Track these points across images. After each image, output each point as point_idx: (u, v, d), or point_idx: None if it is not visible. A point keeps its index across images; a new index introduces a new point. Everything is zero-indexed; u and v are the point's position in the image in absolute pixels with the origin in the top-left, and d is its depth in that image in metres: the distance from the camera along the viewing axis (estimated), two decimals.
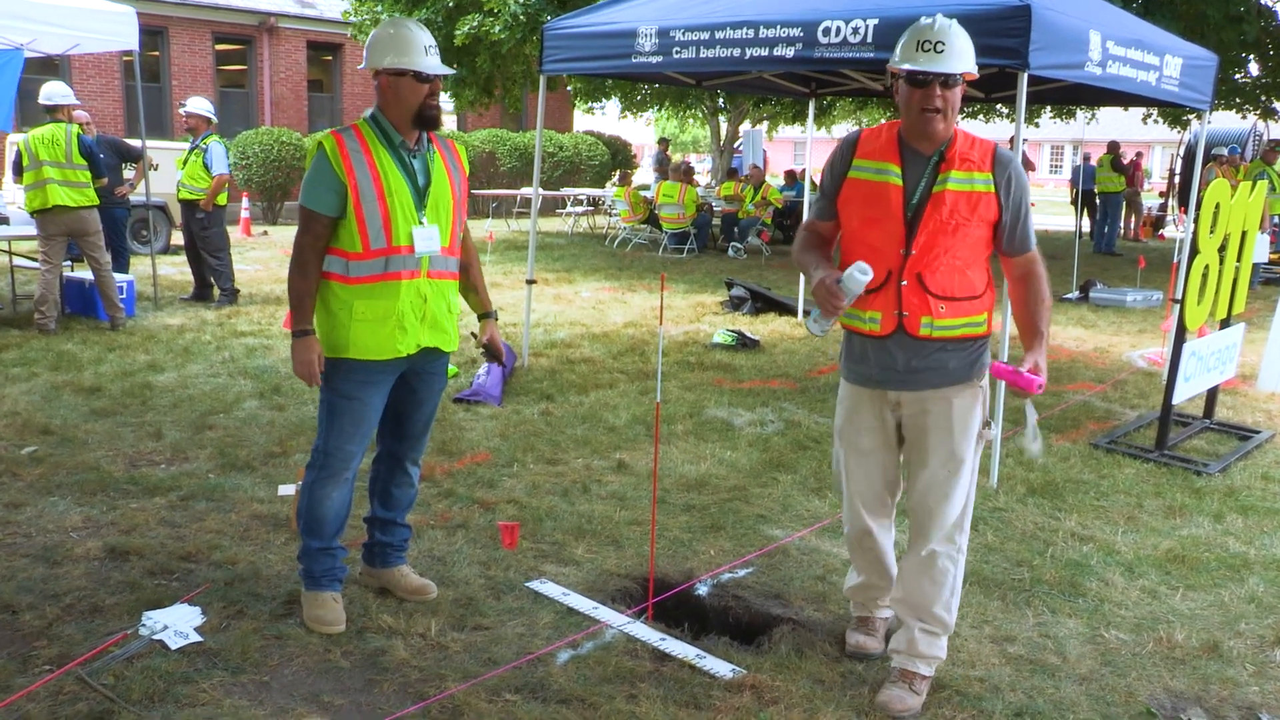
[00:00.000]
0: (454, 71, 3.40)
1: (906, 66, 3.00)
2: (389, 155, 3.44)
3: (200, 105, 9.83)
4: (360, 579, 3.94)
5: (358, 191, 3.39)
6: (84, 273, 9.15)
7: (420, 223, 3.46)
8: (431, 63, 3.43)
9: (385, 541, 3.86)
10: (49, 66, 17.34)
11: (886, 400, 3.24)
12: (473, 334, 3.91)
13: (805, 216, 10.41)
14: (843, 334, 3.34)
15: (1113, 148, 18.89)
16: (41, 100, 8.71)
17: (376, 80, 3.46)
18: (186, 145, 10.10)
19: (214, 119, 10.00)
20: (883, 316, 3.13)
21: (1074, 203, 19.01)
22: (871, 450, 3.32)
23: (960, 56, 2.99)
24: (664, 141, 24.39)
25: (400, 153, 3.47)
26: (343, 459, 3.55)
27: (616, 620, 3.72)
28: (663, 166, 19.97)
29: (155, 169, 10.77)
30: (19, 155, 8.40)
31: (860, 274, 2.99)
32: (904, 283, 3.08)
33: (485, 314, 3.90)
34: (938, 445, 3.19)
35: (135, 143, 10.42)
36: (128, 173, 10.85)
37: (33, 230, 8.71)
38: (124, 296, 8.94)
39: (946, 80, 2.98)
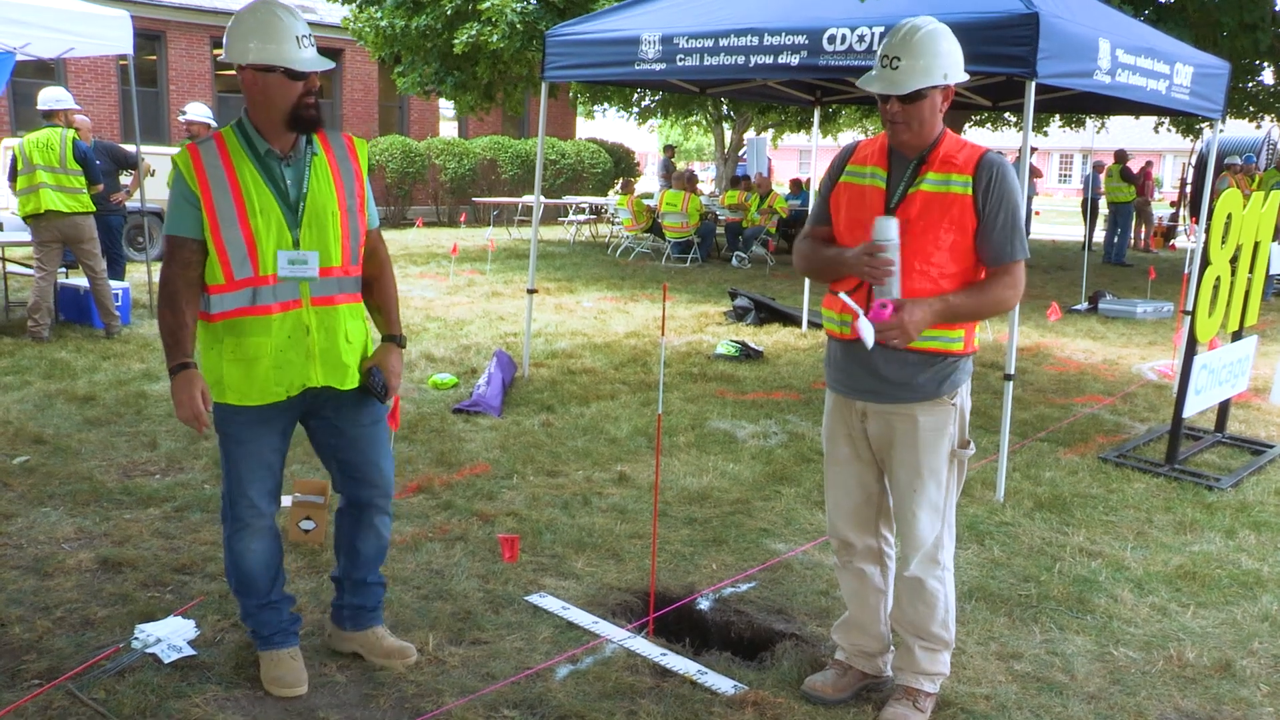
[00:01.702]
0: (332, 65, 3.06)
1: (863, 86, 2.98)
2: (254, 167, 2.99)
3: (201, 111, 9.77)
4: (328, 643, 3.52)
5: (214, 212, 2.96)
6: (79, 279, 9.12)
7: (292, 244, 3.01)
8: (306, 56, 2.94)
9: (356, 604, 3.45)
10: (44, 70, 17.35)
11: (855, 410, 3.18)
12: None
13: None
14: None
15: (1120, 157, 18.80)
16: (39, 105, 8.69)
17: (240, 75, 2.98)
18: None
19: (214, 125, 9.96)
20: (853, 319, 3.06)
21: (1084, 212, 19.02)
22: (847, 460, 3.25)
23: (919, 73, 2.89)
24: (670, 149, 24.36)
25: (268, 162, 3.01)
26: (249, 507, 3.16)
27: (617, 635, 3.66)
28: (669, 174, 19.96)
29: (152, 175, 10.72)
30: (14, 159, 8.37)
31: (888, 220, 2.92)
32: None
33: (388, 336, 3.32)
34: (902, 464, 3.10)
35: (130, 148, 10.39)
36: (124, 179, 10.82)
37: (27, 236, 8.68)
38: (119, 304, 8.90)
39: (905, 95, 2.93)
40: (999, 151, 3.09)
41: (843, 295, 2.97)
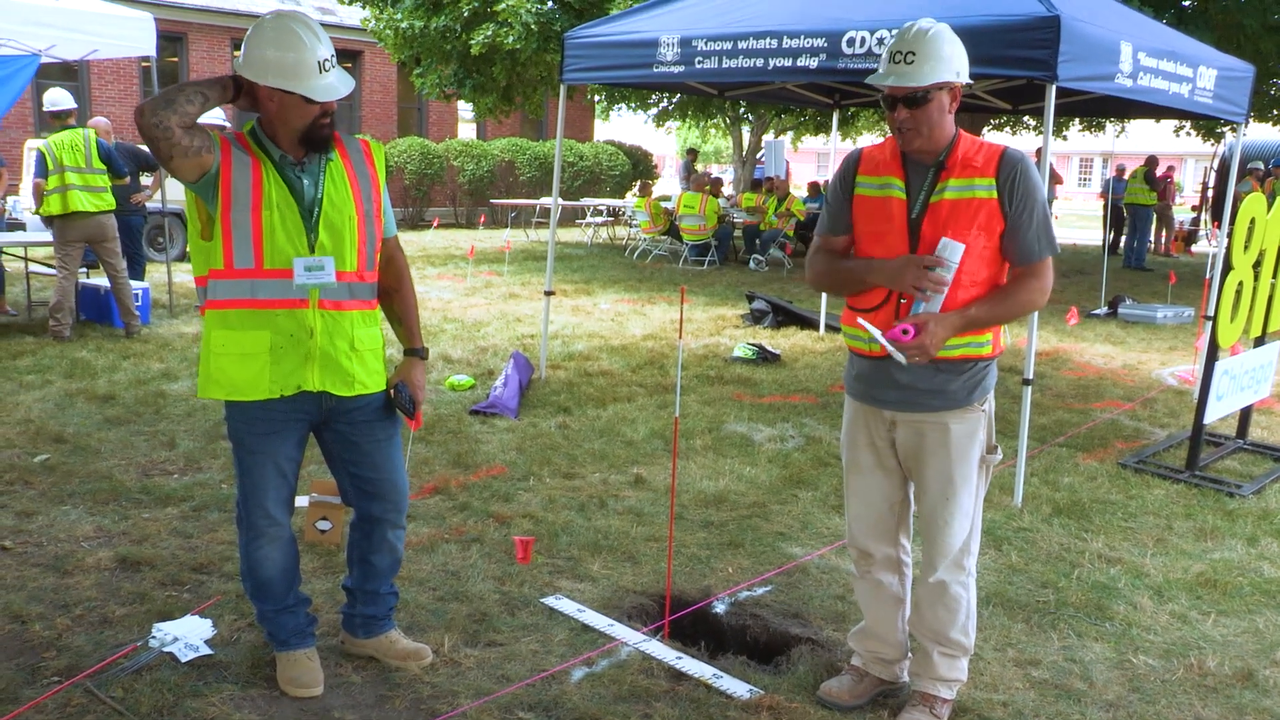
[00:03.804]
0: (351, 89, 2.96)
1: (876, 82, 2.94)
2: (273, 168, 2.96)
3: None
4: (341, 648, 3.52)
5: (230, 190, 2.89)
6: (99, 279, 9.20)
7: (309, 250, 2.96)
8: (326, 83, 2.91)
9: (368, 613, 3.44)
10: (69, 72, 17.47)
11: (882, 419, 3.14)
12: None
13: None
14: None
15: (1151, 162, 18.77)
16: (50, 108, 8.75)
17: (256, 88, 2.94)
18: None
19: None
20: (870, 339, 3.01)
21: (1105, 216, 18.96)
22: (869, 469, 3.21)
23: (934, 66, 2.87)
24: (692, 152, 24.34)
25: (282, 167, 2.98)
26: (264, 517, 3.15)
27: (632, 638, 3.66)
28: (689, 176, 19.95)
29: None
30: (41, 159, 8.44)
31: (956, 244, 2.86)
32: (904, 301, 2.98)
33: (411, 350, 3.31)
34: (935, 472, 3.07)
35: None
36: (145, 180, 10.90)
37: (49, 237, 8.76)
38: (139, 304, 8.98)
39: (910, 99, 2.89)
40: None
41: (861, 320, 2.93)
